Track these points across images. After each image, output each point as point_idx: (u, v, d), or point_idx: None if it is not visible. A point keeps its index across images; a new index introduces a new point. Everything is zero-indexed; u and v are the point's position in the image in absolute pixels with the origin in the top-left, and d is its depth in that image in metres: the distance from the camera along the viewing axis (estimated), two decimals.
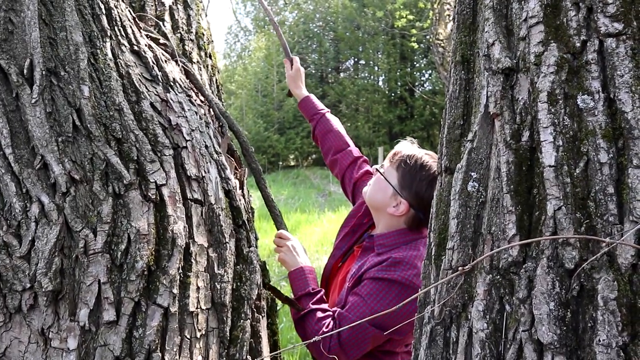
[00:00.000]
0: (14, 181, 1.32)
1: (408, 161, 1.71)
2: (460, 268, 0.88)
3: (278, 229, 1.97)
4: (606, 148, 0.85)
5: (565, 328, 0.83)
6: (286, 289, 5.24)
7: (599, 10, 0.92)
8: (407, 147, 1.79)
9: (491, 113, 1.02)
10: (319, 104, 2.31)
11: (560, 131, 0.90)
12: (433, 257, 1.09)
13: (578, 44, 0.93)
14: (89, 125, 1.38)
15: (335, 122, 2.24)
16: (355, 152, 2.17)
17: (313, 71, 24.18)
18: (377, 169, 1.80)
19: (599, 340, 0.79)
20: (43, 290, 1.25)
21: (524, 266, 0.89)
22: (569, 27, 0.94)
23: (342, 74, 24.70)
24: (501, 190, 0.95)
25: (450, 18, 6.70)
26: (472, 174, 1.03)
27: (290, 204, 11.94)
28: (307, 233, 8.44)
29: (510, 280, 0.91)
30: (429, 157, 1.72)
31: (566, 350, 0.82)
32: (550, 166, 0.89)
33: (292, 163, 21.18)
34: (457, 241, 1.00)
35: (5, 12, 1.36)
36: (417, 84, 22.51)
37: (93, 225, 1.31)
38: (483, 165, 1.02)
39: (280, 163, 20.31)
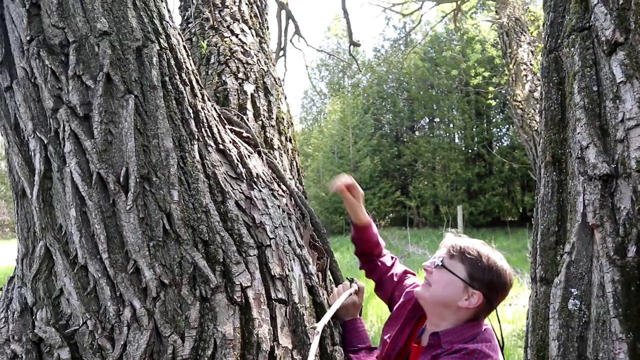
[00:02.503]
0: (109, 285, 1.38)
1: (471, 252, 1.66)
2: None
3: None
4: None
5: None
6: None
7: None
8: (460, 239, 1.74)
9: (590, 223, 0.96)
10: (380, 240, 2.18)
11: None
12: None
13: None
14: (177, 229, 1.43)
15: (388, 258, 2.18)
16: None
17: (388, 131, 24.36)
18: (442, 265, 1.74)
19: None
20: None
21: None
22: None
23: (416, 133, 24.71)
24: (608, 312, 0.88)
25: (527, 79, 6.57)
26: (573, 290, 0.96)
27: None
28: None
29: None
30: (484, 246, 1.70)
31: None
32: None
33: None
34: None
35: (106, 124, 1.46)
36: (494, 139, 22.04)
37: (181, 330, 1.34)
38: (584, 280, 0.95)
39: None
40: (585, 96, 1.04)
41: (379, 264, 2.10)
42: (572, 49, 1.10)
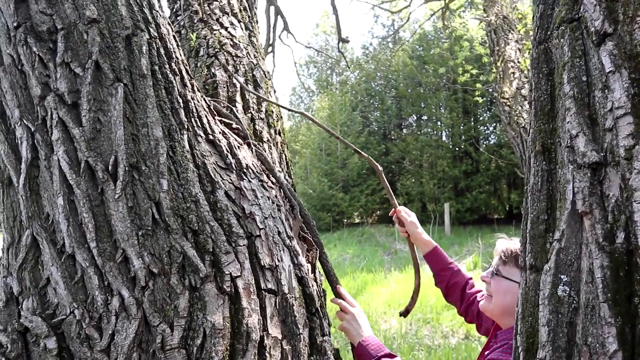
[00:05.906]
0: (97, 274, 1.36)
1: None
2: None
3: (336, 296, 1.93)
4: None
5: None
6: None
7: None
8: (511, 243, 1.75)
9: (579, 211, 0.96)
10: (447, 257, 2.35)
11: None
12: None
13: None
14: (167, 219, 1.42)
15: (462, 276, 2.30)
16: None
17: (376, 129, 24.37)
18: (497, 273, 1.72)
19: None
20: None
21: None
22: None
23: (404, 131, 24.73)
24: (597, 297, 0.89)
25: (515, 77, 6.61)
26: (562, 276, 0.96)
27: (356, 263, 11.80)
28: (374, 293, 8.26)
29: None
30: None
31: None
32: None
33: (357, 220, 21.10)
34: (549, 351, 0.93)
35: (94, 112, 1.44)
36: (481, 137, 22.14)
37: (170, 319, 1.33)
38: (573, 267, 0.96)
39: (345, 220, 20.25)
40: (574, 86, 1.05)
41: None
42: (562, 40, 1.11)
